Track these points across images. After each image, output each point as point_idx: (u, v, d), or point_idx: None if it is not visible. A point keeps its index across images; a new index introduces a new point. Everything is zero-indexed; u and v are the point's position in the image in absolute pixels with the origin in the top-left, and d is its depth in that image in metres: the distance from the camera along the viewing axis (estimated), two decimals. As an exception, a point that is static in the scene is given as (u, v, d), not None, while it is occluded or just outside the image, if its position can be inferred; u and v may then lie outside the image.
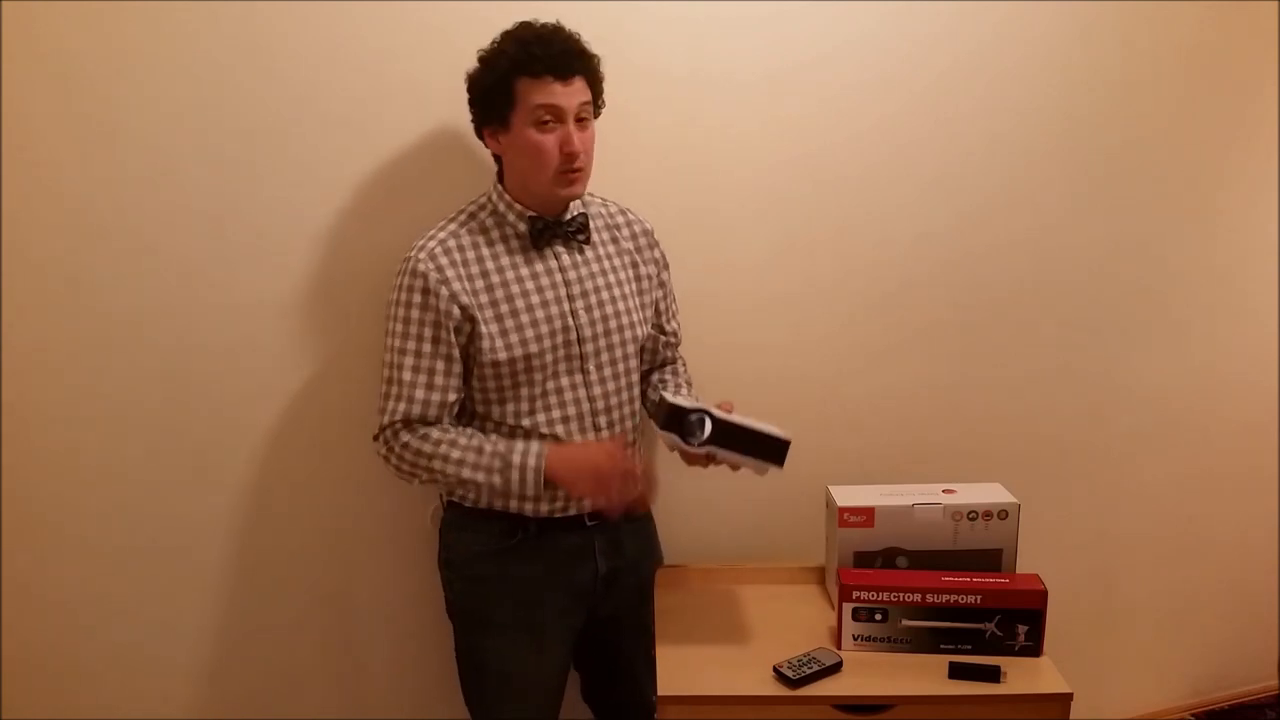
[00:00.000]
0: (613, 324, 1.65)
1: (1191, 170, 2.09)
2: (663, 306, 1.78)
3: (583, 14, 1.60)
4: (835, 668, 1.52)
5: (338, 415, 1.82)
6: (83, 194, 1.67)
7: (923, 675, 1.51)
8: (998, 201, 2.00)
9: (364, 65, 1.71)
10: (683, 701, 1.48)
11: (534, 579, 1.66)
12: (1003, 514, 1.64)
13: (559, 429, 1.62)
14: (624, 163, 1.76)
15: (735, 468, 1.55)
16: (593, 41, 1.56)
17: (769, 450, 1.51)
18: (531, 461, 1.54)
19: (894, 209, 1.96)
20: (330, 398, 1.82)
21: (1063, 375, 2.11)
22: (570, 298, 1.61)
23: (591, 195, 1.68)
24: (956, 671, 1.50)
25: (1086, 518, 2.19)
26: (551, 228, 1.61)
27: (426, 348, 1.56)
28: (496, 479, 1.54)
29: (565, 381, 1.62)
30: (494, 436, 1.60)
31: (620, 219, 1.72)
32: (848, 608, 1.57)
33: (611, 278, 1.66)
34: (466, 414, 1.65)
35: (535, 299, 1.59)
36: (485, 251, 1.59)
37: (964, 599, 1.54)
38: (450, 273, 1.55)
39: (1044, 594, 1.53)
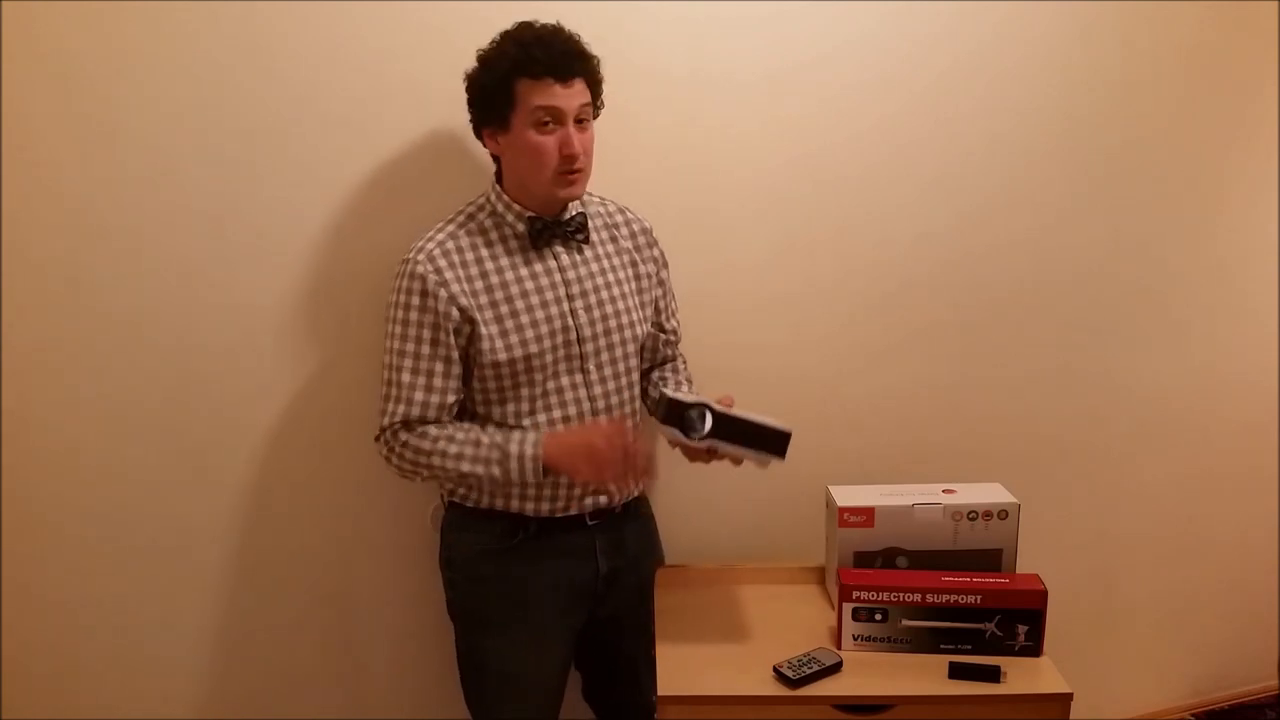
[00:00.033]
0: (612, 323, 1.65)
1: (1191, 170, 2.09)
2: (662, 305, 1.78)
3: (583, 14, 1.60)
4: (835, 668, 1.52)
5: (338, 415, 1.82)
6: (83, 194, 1.67)
7: (923, 675, 1.51)
8: (998, 201, 2.00)
9: (364, 65, 1.71)
10: (683, 701, 1.48)
11: (535, 579, 1.66)
12: (1003, 514, 1.64)
13: (560, 429, 1.62)
14: (624, 163, 1.76)
15: (737, 462, 1.55)
16: (593, 42, 1.56)
17: (770, 442, 1.51)
18: (529, 450, 1.54)
19: (894, 209, 1.96)
20: (330, 398, 1.82)
21: (1063, 375, 2.11)
22: (570, 297, 1.61)
23: (590, 194, 1.68)
24: (956, 671, 1.50)
25: (1086, 518, 2.19)
26: (550, 228, 1.60)
27: (425, 349, 1.56)
28: (496, 470, 1.54)
29: (565, 381, 1.62)
30: (491, 428, 1.60)
31: (619, 218, 1.72)
32: (848, 608, 1.57)
33: (611, 277, 1.66)
34: (467, 415, 1.65)
35: (535, 299, 1.59)
36: (484, 252, 1.59)
37: (964, 599, 1.54)
38: (449, 274, 1.55)
39: (1044, 594, 1.53)
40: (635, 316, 1.68)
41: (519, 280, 1.59)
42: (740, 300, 1.94)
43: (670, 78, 1.82)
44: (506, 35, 1.54)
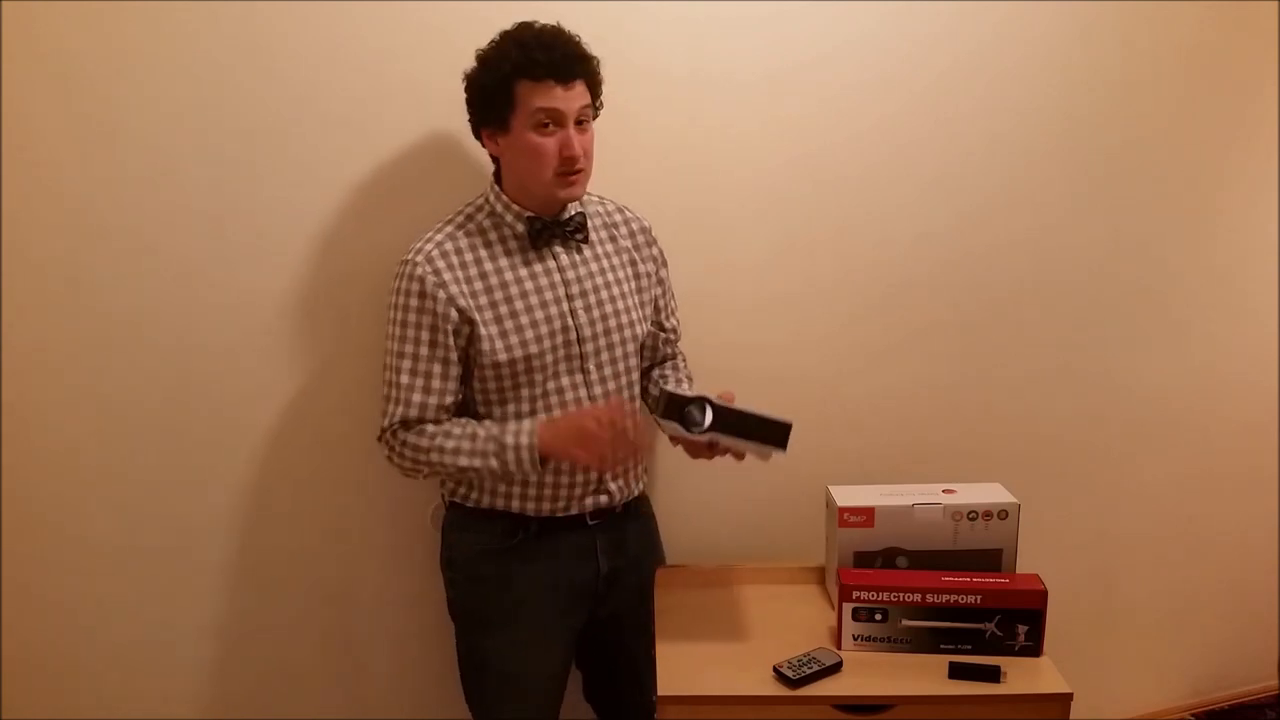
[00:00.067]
0: (612, 323, 1.65)
1: (1191, 170, 2.09)
2: (662, 304, 1.78)
3: (582, 14, 1.60)
4: (835, 668, 1.52)
5: (338, 415, 1.82)
6: (83, 194, 1.67)
7: (923, 675, 1.51)
8: (998, 201, 2.00)
9: (364, 65, 1.71)
10: (683, 701, 1.48)
11: (535, 578, 1.66)
12: (1003, 514, 1.64)
13: (555, 416, 1.61)
14: (624, 163, 1.76)
15: (739, 457, 1.55)
16: (593, 42, 1.56)
17: (771, 434, 1.51)
18: (524, 440, 1.53)
19: (894, 209, 1.96)
20: (330, 398, 1.82)
21: (1063, 375, 2.11)
22: (569, 297, 1.61)
23: (589, 194, 1.68)
24: (956, 671, 1.50)
25: (1086, 518, 2.19)
26: (550, 228, 1.60)
27: (424, 351, 1.56)
28: (493, 461, 1.54)
29: (565, 381, 1.62)
30: (488, 422, 1.60)
31: (618, 217, 1.72)
32: (848, 608, 1.57)
33: (610, 276, 1.66)
34: (468, 415, 1.65)
35: (534, 299, 1.59)
36: (483, 253, 1.59)
37: (964, 599, 1.54)
38: (447, 275, 1.55)
39: (1044, 594, 1.53)
40: (635, 316, 1.68)
41: (518, 280, 1.59)
42: (740, 300, 1.94)
43: (670, 78, 1.82)
44: (506, 35, 1.54)
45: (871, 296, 1.99)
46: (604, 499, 1.67)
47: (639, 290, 1.71)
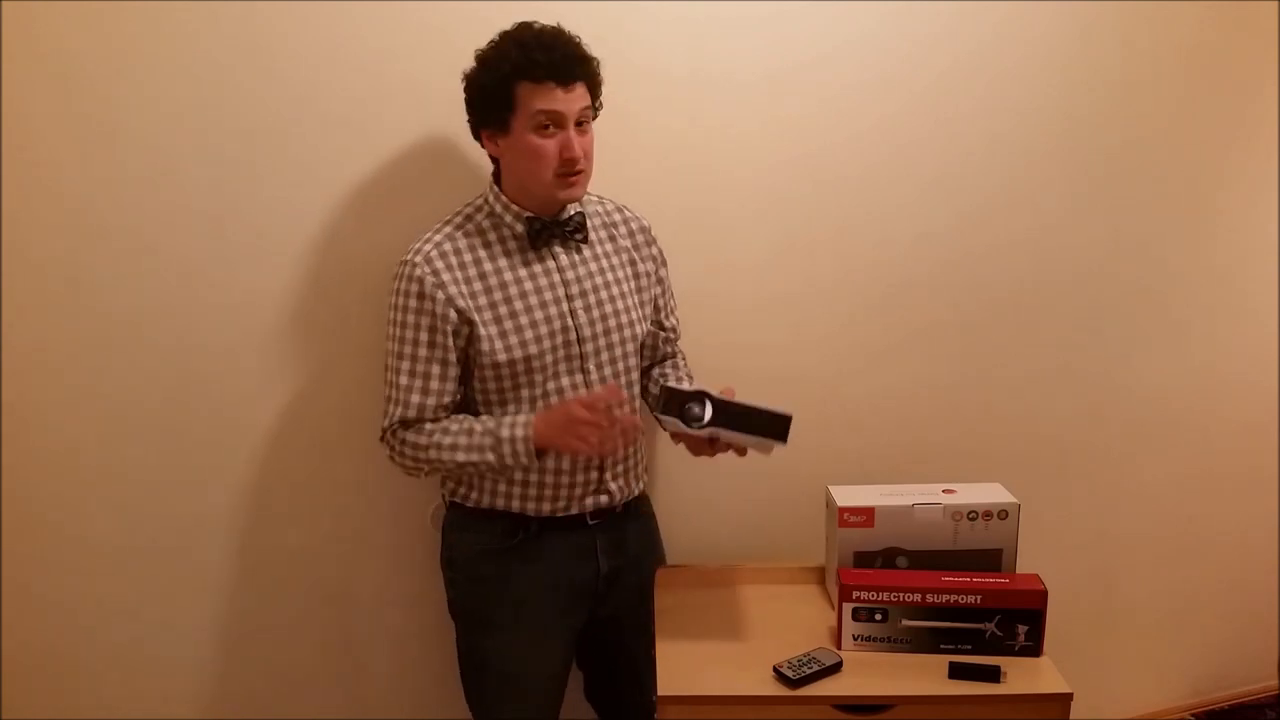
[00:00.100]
0: (612, 323, 1.64)
1: (1191, 170, 2.09)
2: (661, 303, 1.78)
3: (582, 14, 1.60)
4: (835, 668, 1.52)
5: (338, 415, 1.82)
6: (83, 194, 1.67)
7: (923, 675, 1.51)
8: (998, 201, 2.00)
9: (364, 65, 1.71)
10: (683, 701, 1.48)
11: (536, 578, 1.66)
12: (1003, 514, 1.64)
13: (550, 406, 1.61)
14: (624, 163, 1.76)
15: (741, 452, 1.55)
16: (593, 42, 1.56)
17: (771, 427, 1.50)
18: (520, 432, 1.53)
19: (894, 209, 1.96)
20: (330, 398, 1.82)
21: (1063, 375, 2.11)
22: (569, 298, 1.61)
23: (588, 194, 1.67)
24: (956, 671, 1.50)
25: (1086, 518, 2.19)
26: (549, 228, 1.60)
27: (422, 352, 1.56)
28: (490, 455, 1.54)
29: (566, 382, 1.62)
30: (484, 416, 1.60)
31: (617, 216, 1.72)
32: (848, 608, 1.57)
33: (610, 276, 1.66)
34: (470, 414, 1.65)
35: (534, 300, 1.59)
36: (482, 253, 1.59)
37: (964, 599, 1.54)
38: (446, 276, 1.55)
39: (1044, 594, 1.53)
40: (635, 315, 1.68)
41: (518, 281, 1.59)
42: (740, 300, 1.94)
43: (670, 78, 1.82)
44: (506, 36, 1.53)
45: (871, 296, 1.99)
46: (604, 499, 1.67)
47: (638, 290, 1.71)
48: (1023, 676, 1.50)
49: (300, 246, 1.75)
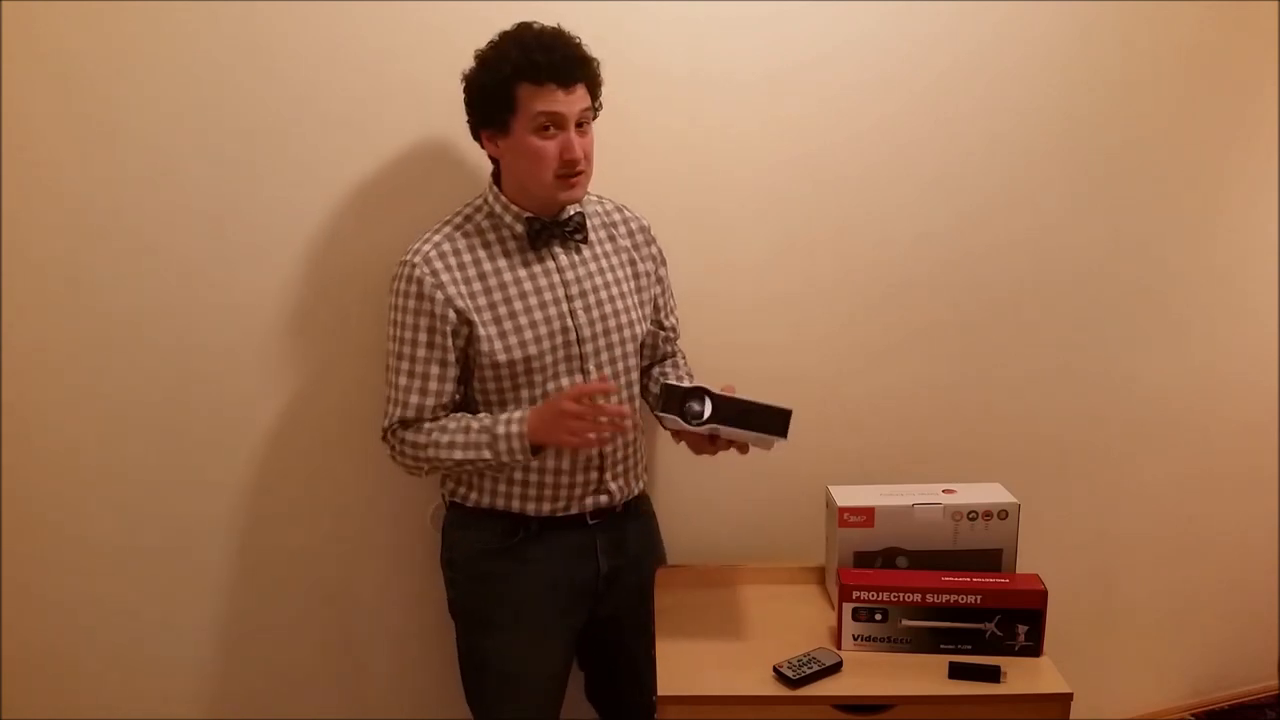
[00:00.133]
0: (611, 323, 1.64)
1: (1191, 170, 2.09)
2: (661, 302, 1.78)
3: (582, 14, 1.60)
4: (835, 668, 1.52)
5: (338, 415, 1.82)
6: (83, 194, 1.67)
7: (923, 675, 1.51)
8: (998, 201, 2.00)
9: (364, 65, 1.71)
10: (682, 701, 1.48)
11: (536, 578, 1.66)
12: (1003, 514, 1.64)
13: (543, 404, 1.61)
14: (624, 163, 1.76)
15: (743, 449, 1.55)
16: (593, 42, 1.56)
17: (771, 422, 1.50)
18: (514, 429, 1.53)
19: (894, 209, 1.96)
20: (330, 398, 1.82)
21: (1063, 375, 2.11)
22: (569, 298, 1.61)
23: (588, 194, 1.67)
24: (956, 671, 1.50)
25: (1086, 518, 2.19)
26: (549, 228, 1.60)
27: (421, 352, 1.56)
28: (486, 453, 1.54)
29: (565, 382, 1.62)
30: (482, 414, 1.60)
31: (616, 216, 1.72)
32: (848, 608, 1.57)
33: (610, 276, 1.66)
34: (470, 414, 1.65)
35: (533, 300, 1.59)
36: (482, 254, 1.59)
37: (964, 599, 1.54)
38: (445, 276, 1.55)
39: (1044, 594, 1.53)
40: (634, 315, 1.68)
41: (517, 281, 1.59)
42: (740, 300, 1.94)
43: (670, 78, 1.82)
44: (506, 37, 1.53)
45: (871, 296, 1.99)
46: (604, 499, 1.67)
47: (638, 290, 1.70)
48: (1023, 676, 1.50)
49: (300, 246, 1.76)
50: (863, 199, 1.94)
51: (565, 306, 1.60)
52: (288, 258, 1.75)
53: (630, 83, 1.73)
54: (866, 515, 1.65)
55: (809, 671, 1.50)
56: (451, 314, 1.55)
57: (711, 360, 1.88)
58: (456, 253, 1.57)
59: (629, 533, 1.73)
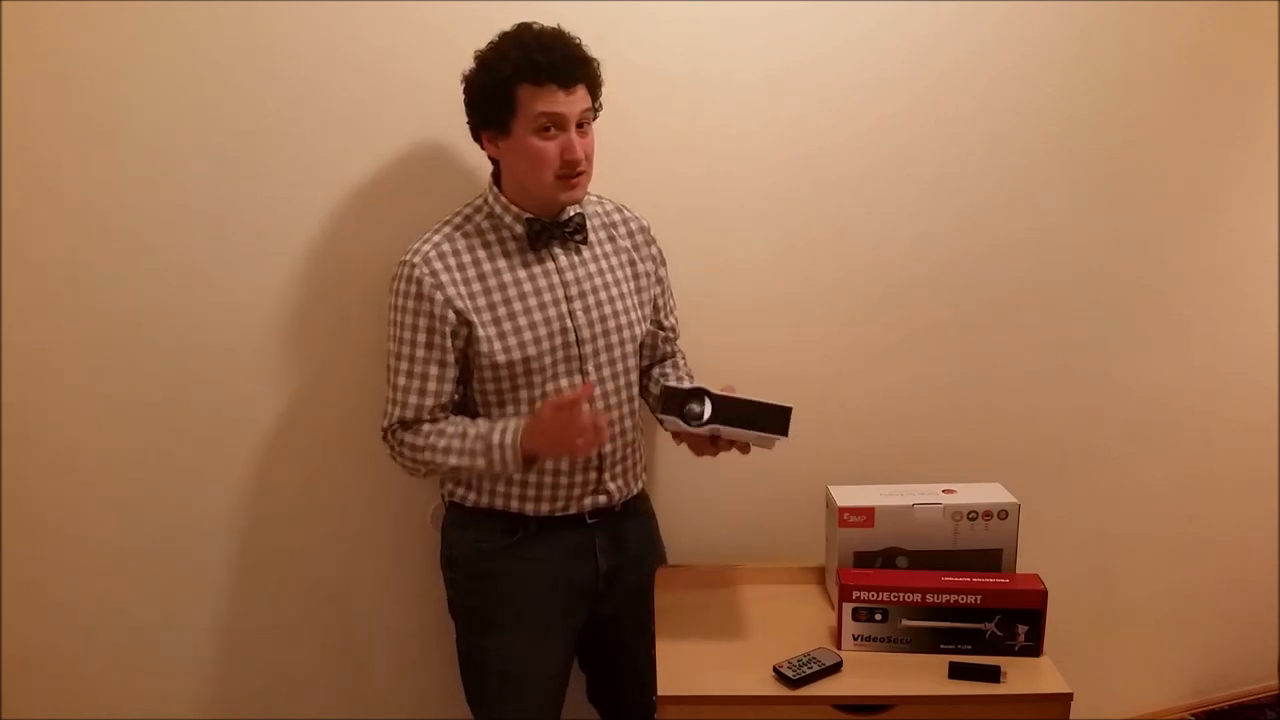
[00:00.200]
0: (611, 324, 1.64)
1: (1191, 170, 2.09)
2: (660, 303, 1.78)
3: (582, 14, 1.60)
4: (835, 668, 1.52)
5: (338, 415, 1.82)
6: (83, 194, 1.67)
7: (923, 675, 1.51)
8: (998, 201, 2.00)
9: (364, 65, 1.71)
10: (682, 701, 1.48)
11: (535, 577, 1.66)
12: (1003, 514, 1.64)
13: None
14: (624, 163, 1.76)
15: (744, 449, 1.55)
16: (592, 42, 1.56)
17: (772, 420, 1.50)
18: (509, 439, 1.53)
19: (894, 209, 1.96)
20: (330, 398, 1.82)
21: (1063, 375, 2.11)
22: (568, 299, 1.61)
23: (588, 194, 1.67)
24: (956, 671, 1.50)
25: (1086, 518, 2.19)
26: (549, 229, 1.60)
27: (420, 353, 1.56)
28: (481, 461, 1.54)
29: (565, 383, 1.62)
30: (479, 420, 1.60)
31: (616, 216, 1.71)
32: (848, 608, 1.57)
33: (609, 277, 1.66)
34: (469, 415, 1.65)
35: (533, 301, 1.59)
36: (481, 254, 1.59)
37: (964, 599, 1.54)
38: (444, 277, 1.55)
39: (1044, 594, 1.53)
40: (634, 316, 1.68)
41: (517, 282, 1.59)
42: (740, 300, 1.94)
43: (670, 78, 1.82)
44: (506, 37, 1.53)
45: (871, 296, 1.99)
46: (603, 499, 1.67)
47: (638, 290, 1.70)
48: (1023, 676, 1.50)
49: (300, 246, 1.76)
50: (863, 199, 1.94)
51: (565, 307, 1.60)
52: (288, 258, 1.76)
53: (630, 83, 1.73)
54: (866, 515, 1.65)
55: (809, 671, 1.50)
56: (451, 314, 1.55)
57: (711, 360, 1.88)
58: (456, 253, 1.57)
59: (628, 532, 1.73)
